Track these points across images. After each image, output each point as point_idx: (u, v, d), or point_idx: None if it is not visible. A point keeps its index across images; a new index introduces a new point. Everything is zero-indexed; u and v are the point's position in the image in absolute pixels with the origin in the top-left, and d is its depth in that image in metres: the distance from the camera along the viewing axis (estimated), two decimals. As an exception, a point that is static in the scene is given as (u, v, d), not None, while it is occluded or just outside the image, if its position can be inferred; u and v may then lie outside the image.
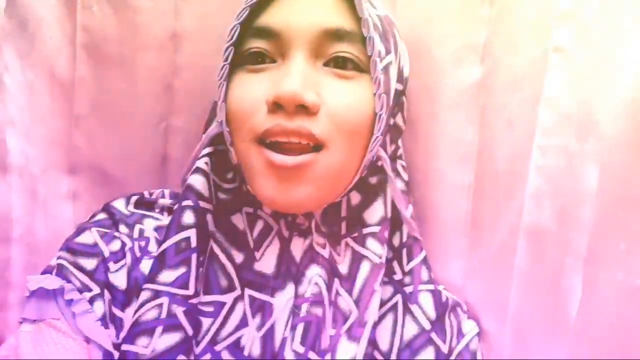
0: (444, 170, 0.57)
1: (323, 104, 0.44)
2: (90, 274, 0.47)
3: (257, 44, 0.46)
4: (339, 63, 0.46)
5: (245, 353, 0.47)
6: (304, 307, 0.48)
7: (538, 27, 0.49)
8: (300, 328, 0.47)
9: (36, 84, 0.57)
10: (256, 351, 0.47)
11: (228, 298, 0.49)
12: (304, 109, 0.43)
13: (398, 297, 0.53)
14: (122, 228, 0.51)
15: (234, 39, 0.47)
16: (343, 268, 0.50)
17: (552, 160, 0.47)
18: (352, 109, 0.45)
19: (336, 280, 0.50)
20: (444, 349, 0.52)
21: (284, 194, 0.45)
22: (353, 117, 0.45)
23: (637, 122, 0.37)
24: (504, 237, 0.52)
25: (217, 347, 0.48)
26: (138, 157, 0.62)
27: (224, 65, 0.47)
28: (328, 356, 0.47)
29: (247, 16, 0.46)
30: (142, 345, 0.45)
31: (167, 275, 0.47)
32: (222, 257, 0.50)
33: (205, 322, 0.48)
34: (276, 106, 0.43)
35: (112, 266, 0.48)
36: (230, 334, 0.48)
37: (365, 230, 0.51)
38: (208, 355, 0.47)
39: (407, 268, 0.53)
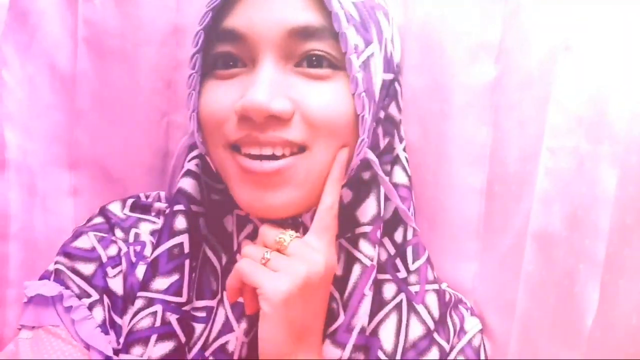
0: (456, 171, 0.56)
1: (297, 108, 0.42)
2: (88, 279, 0.46)
3: (224, 48, 0.44)
4: (312, 62, 0.43)
5: (236, 357, 0.46)
6: None
7: (548, 25, 0.48)
8: None
9: (36, 78, 0.57)
10: (245, 355, 0.46)
11: (215, 302, 0.48)
12: (275, 118, 0.41)
13: (402, 296, 0.51)
14: (118, 232, 0.50)
15: (199, 45, 0.45)
16: (337, 270, 0.48)
17: (562, 162, 0.46)
18: (328, 111, 0.43)
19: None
20: (447, 347, 0.51)
21: (261, 201, 0.43)
22: (330, 119, 0.43)
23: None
24: (513, 240, 0.51)
25: (207, 352, 0.47)
26: (140, 152, 0.62)
27: (192, 74, 0.45)
28: None
29: (210, 20, 0.44)
30: (137, 355, 0.45)
31: (161, 283, 0.46)
32: (214, 260, 0.49)
33: (198, 327, 0.47)
34: (245, 117, 0.42)
35: (110, 271, 0.47)
36: (215, 339, 0.47)
37: (358, 230, 0.48)
38: None
39: (412, 267, 0.52)
